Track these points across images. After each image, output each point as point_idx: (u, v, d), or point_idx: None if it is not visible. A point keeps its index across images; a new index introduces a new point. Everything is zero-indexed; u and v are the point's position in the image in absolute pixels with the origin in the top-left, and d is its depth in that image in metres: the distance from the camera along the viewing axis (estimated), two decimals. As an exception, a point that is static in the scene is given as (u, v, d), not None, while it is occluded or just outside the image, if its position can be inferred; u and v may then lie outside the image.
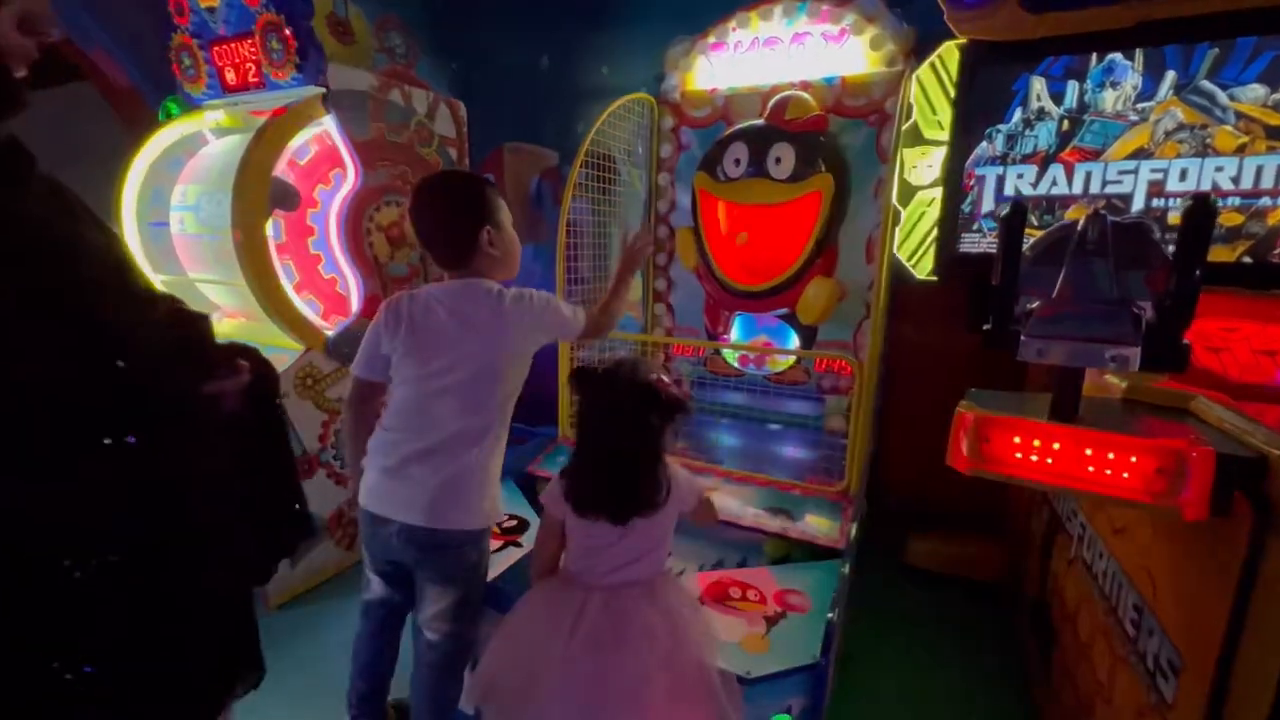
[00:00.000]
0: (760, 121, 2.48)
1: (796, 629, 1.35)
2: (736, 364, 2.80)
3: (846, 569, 1.49)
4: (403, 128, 2.35)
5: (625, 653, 1.10)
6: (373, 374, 1.39)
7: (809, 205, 2.41)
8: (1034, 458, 0.96)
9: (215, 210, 2.08)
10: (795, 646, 1.29)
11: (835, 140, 2.42)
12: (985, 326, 1.04)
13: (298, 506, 1.10)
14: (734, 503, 1.85)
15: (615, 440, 1.13)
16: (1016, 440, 0.98)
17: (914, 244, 2.14)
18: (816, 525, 1.72)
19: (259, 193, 1.91)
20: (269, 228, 2.02)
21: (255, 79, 2.14)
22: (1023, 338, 0.98)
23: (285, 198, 2.02)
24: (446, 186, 1.44)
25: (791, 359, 2.66)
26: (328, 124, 2.10)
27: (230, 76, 2.20)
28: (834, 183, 2.37)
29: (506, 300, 1.35)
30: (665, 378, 1.18)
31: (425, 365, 1.34)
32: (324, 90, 2.07)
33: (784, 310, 2.60)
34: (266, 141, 1.93)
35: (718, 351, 2.82)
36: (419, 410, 1.33)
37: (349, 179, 2.20)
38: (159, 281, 2.34)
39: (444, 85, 2.98)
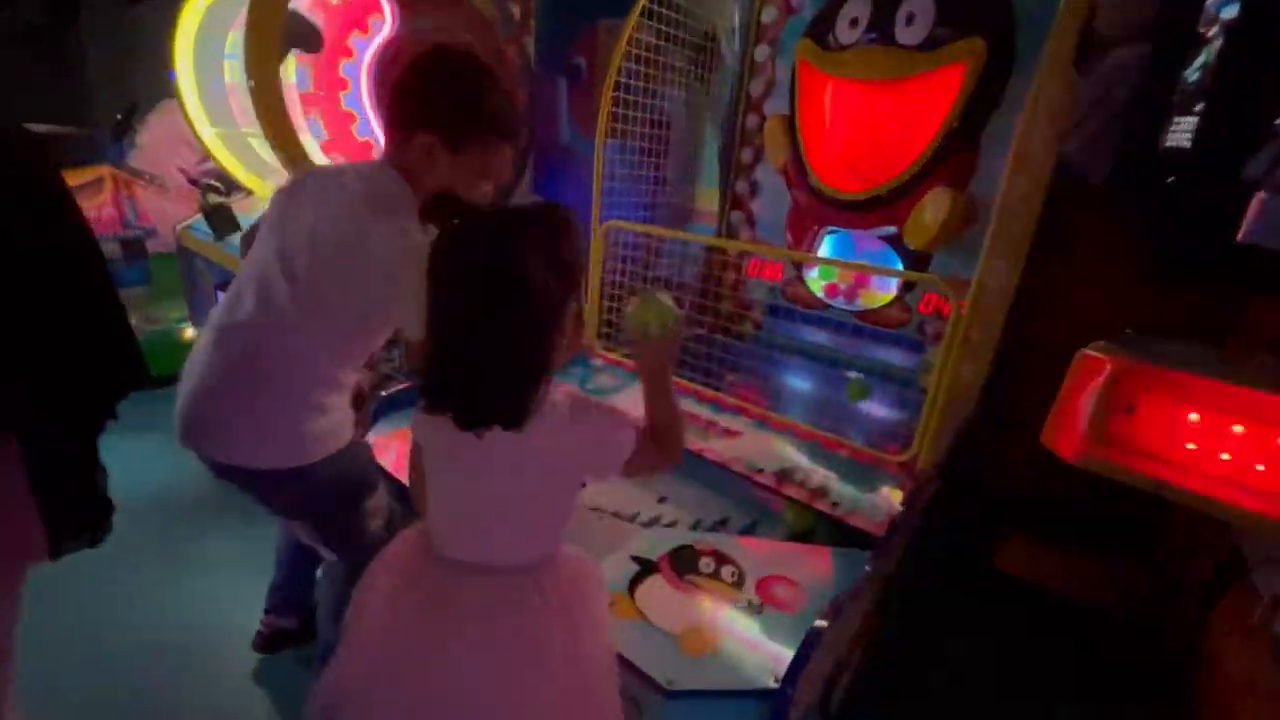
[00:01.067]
0: (896, -34, 1.83)
1: (767, 635, 0.96)
2: (821, 293, 2.28)
3: (871, 567, 1.05)
4: (450, -29, 2.03)
5: (450, 664, 0.77)
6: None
7: (944, 84, 1.77)
8: (1225, 456, 0.48)
9: (247, 54, 1.93)
10: (751, 659, 0.91)
11: (1002, -6, 1.72)
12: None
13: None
14: (755, 450, 1.45)
15: (472, 302, 0.72)
16: (1193, 419, 0.50)
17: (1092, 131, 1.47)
18: (855, 499, 1.28)
19: (271, 28, 1.71)
20: (292, 73, 1.83)
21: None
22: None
23: (305, 37, 1.81)
24: (432, 56, 1.08)
25: (890, 295, 2.10)
26: (360, -44, 1.83)
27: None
28: (987, 52, 1.70)
29: (402, 240, 0.98)
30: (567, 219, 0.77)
31: (269, 251, 1.08)
32: (356, -88, 1.78)
33: (890, 230, 2.02)
34: (281, -33, 1.70)
35: (799, 275, 2.32)
36: (236, 289, 1.09)
37: (386, 25, 1.94)
38: (215, 135, 2.30)
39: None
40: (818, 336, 2.27)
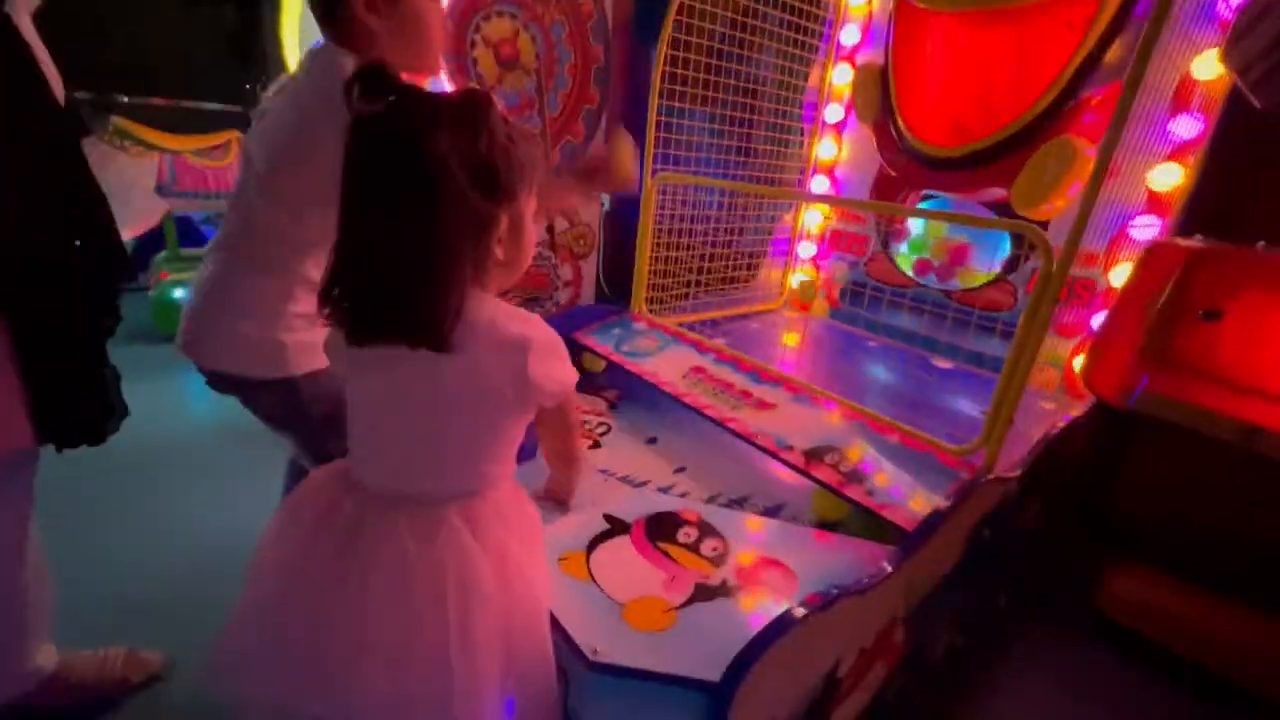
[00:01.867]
0: None
1: (730, 620, 0.79)
2: (911, 271, 1.99)
3: (890, 565, 0.84)
4: (524, -84, 1.99)
5: (354, 601, 0.69)
6: None
7: (1078, 5, 1.44)
8: None
9: None
10: (702, 644, 0.74)
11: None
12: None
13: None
14: (788, 425, 1.26)
15: (373, 200, 0.64)
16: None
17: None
18: (895, 490, 1.05)
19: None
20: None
21: None
22: None
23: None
24: None
25: (991, 273, 1.77)
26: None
27: None
28: (1138, -35, 1.36)
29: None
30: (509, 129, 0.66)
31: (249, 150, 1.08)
32: None
33: (998, 194, 1.70)
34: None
35: (886, 248, 2.04)
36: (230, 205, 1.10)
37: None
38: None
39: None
40: (907, 321, 1.98)
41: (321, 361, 1.07)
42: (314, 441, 1.13)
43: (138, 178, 2.85)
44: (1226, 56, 1.04)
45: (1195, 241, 0.41)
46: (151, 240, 3.18)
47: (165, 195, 2.93)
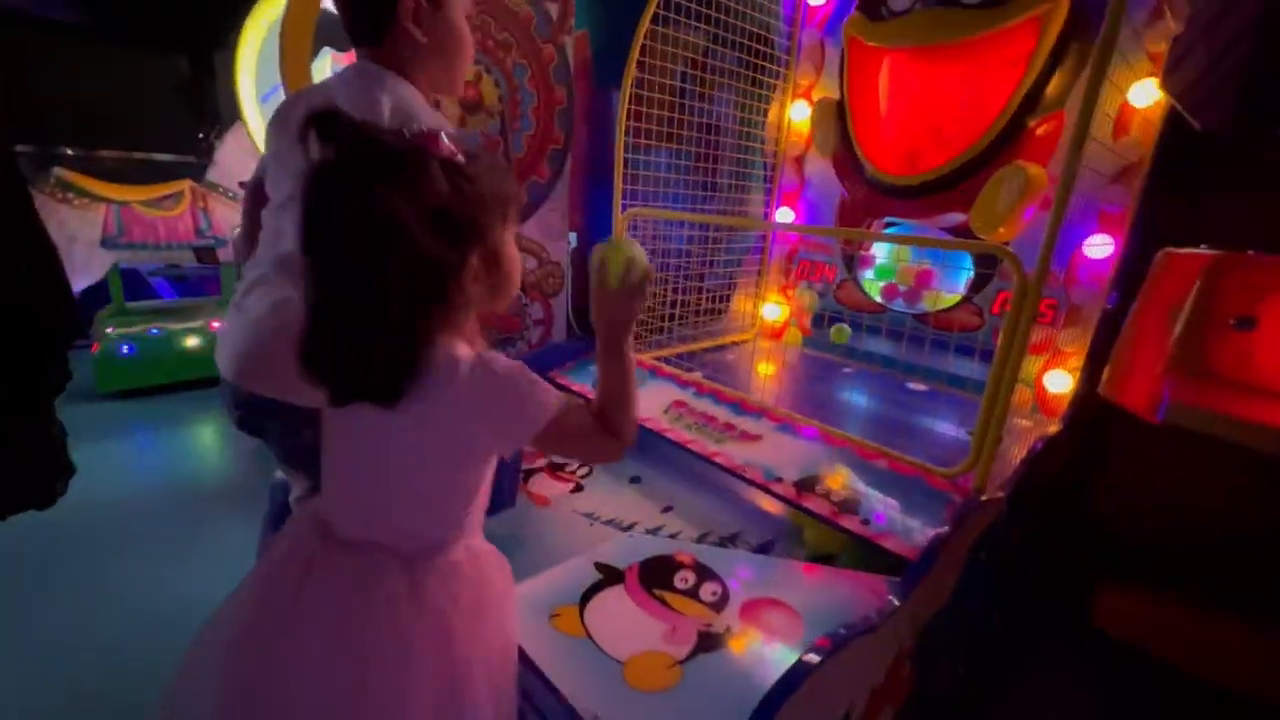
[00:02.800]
0: (956, -83, 1.63)
1: (739, 672, 0.74)
2: (879, 296, 2.03)
3: (896, 598, 0.81)
4: (485, -32, 2.02)
5: (293, 650, 0.65)
6: (263, 172, 1.11)
7: (1016, 42, 1.53)
8: None
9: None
10: (712, 704, 0.69)
11: (1086, -66, 1.47)
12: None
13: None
14: (775, 456, 1.23)
15: (334, 256, 0.59)
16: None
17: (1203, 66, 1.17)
18: (890, 518, 1.03)
19: (303, 30, 1.75)
20: (326, 72, 1.86)
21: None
22: None
23: (337, 33, 1.84)
24: None
25: (957, 295, 1.82)
26: (395, -46, 1.86)
27: (328, -81, 2.08)
28: (1069, 5, 1.45)
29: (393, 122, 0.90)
30: (454, 151, 0.61)
31: (280, 170, 1.03)
32: (391, -88, 1.81)
33: (959, 218, 1.75)
34: (314, -35, 1.75)
35: (852, 274, 2.08)
36: (266, 231, 1.03)
37: (420, 25, 1.95)
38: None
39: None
40: (877, 344, 2.01)
41: None
42: None
43: (79, 230, 2.72)
44: (1166, 82, 1.11)
45: (1209, 250, 0.41)
46: (96, 294, 3.03)
47: (112, 248, 2.80)
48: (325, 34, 1.83)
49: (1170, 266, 0.43)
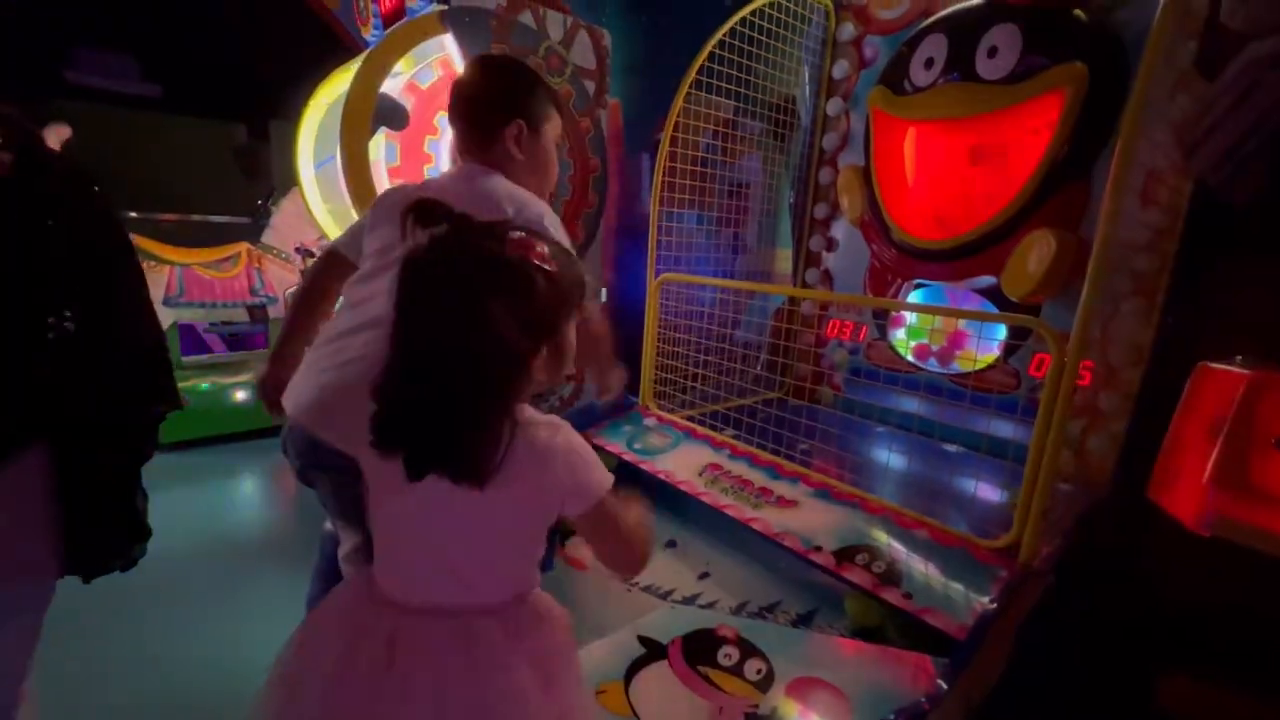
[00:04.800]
0: (974, 2, 1.72)
1: None
2: (911, 356, 2.03)
3: (945, 682, 0.79)
4: (529, 52, 2.18)
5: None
6: (349, 250, 1.19)
7: (1040, 113, 1.58)
8: None
9: (348, 136, 2.15)
10: None
11: (1103, 14, 1.54)
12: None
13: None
14: (813, 523, 1.23)
15: (436, 336, 0.64)
16: None
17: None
18: (933, 591, 1.02)
19: (363, 109, 1.90)
20: (381, 149, 2.01)
21: (399, 4, 2.17)
22: None
23: (393, 115, 1.99)
24: (490, 62, 1.31)
25: (990, 356, 1.81)
26: (447, 43, 2.02)
27: (385, 5, 2.27)
28: (1090, 79, 1.50)
29: (509, 205, 1.04)
30: (544, 253, 0.66)
31: (383, 251, 1.10)
32: (444, 7, 1.98)
33: (988, 281, 1.78)
34: (373, 57, 1.91)
35: (884, 336, 2.09)
36: (356, 295, 1.10)
37: (468, 105, 2.10)
38: (326, 211, 2.57)
39: (635, 38, 2.81)
40: (909, 404, 2.00)
41: None
42: None
43: (145, 291, 2.90)
44: (1188, 164, 1.13)
45: (1244, 368, 0.42)
46: (153, 350, 3.20)
47: (173, 306, 2.98)
48: (381, 116, 1.98)
49: (1208, 383, 0.45)
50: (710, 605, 1.18)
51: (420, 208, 0.66)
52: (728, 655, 0.89)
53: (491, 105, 1.16)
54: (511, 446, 0.66)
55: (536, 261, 0.65)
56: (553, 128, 1.22)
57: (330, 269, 1.22)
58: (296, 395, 1.08)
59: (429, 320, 0.64)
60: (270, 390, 1.19)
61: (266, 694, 0.73)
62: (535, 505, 0.70)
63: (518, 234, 0.66)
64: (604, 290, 2.82)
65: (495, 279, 0.63)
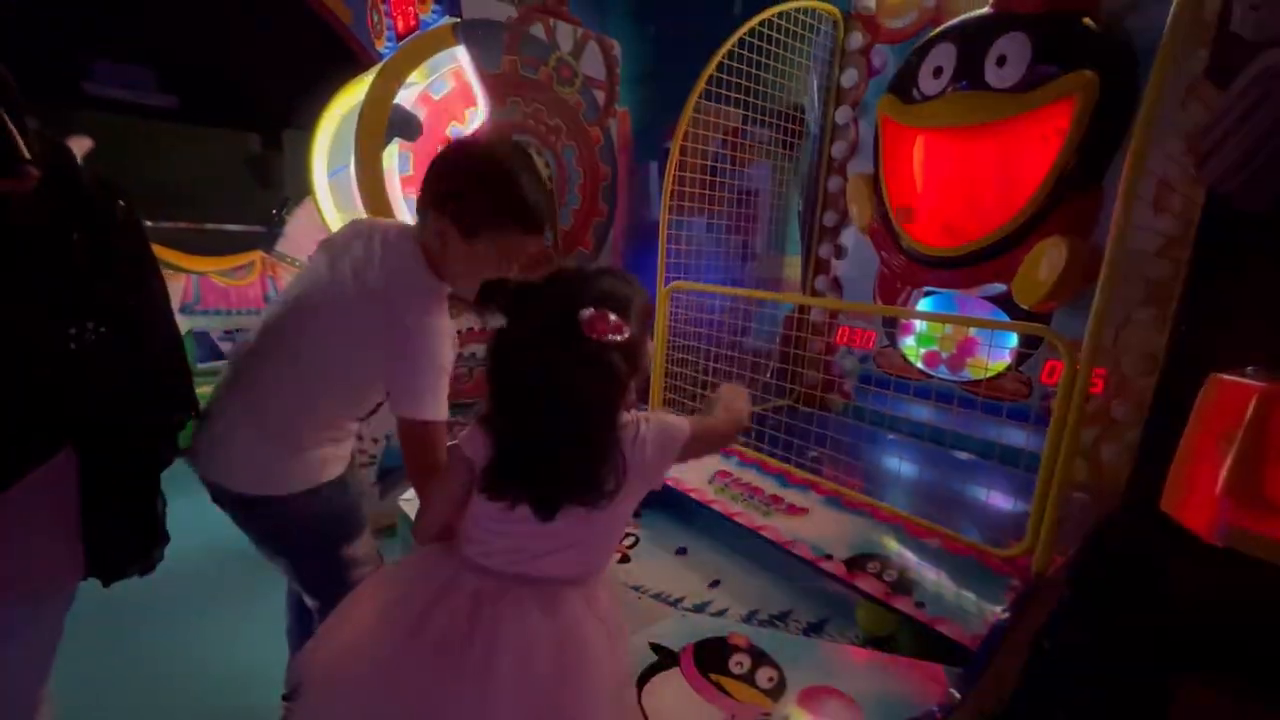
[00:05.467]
0: (982, 11, 1.72)
1: None
2: (921, 363, 2.03)
3: (958, 691, 0.79)
4: (539, 63, 2.21)
5: (472, 679, 0.69)
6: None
7: (1050, 121, 1.58)
8: None
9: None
10: None
11: (1115, 22, 1.54)
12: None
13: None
14: (823, 531, 1.23)
15: (544, 396, 0.71)
16: None
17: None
18: (944, 600, 1.02)
19: (377, 120, 1.93)
20: (394, 159, 2.04)
21: (414, 22, 2.21)
22: None
23: (406, 126, 2.03)
24: (466, 144, 1.17)
25: (1002, 363, 1.81)
26: (459, 55, 2.05)
27: (400, 25, 2.31)
28: (1100, 86, 1.50)
29: (409, 319, 0.98)
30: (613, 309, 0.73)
31: (292, 296, 1.10)
32: (457, 20, 2.02)
33: (998, 289, 1.78)
34: (387, 69, 1.94)
35: (894, 343, 2.09)
36: (258, 347, 1.09)
37: (480, 116, 2.13)
38: (340, 219, 2.61)
39: (644, 48, 2.84)
40: (919, 411, 1.99)
41: (316, 479, 1.08)
42: (307, 569, 1.14)
43: (161, 299, 2.95)
44: (1200, 172, 1.13)
45: (1256, 379, 0.43)
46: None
47: (188, 314, 3.03)
48: (395, 127, 2.01)
49: (1219, 395, 0.45)
50: (721, 613, 1.18)
51: (488, 292, 0.76)
52: (739, 663, 0.89)
53: (430, 186, 1.03)
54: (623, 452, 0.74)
55: (610, 338, 0.71)
56: (504, 249, 1.04)
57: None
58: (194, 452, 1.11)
59: (537, 396, 0.72)
60: None
61: (343, 646, 0.78)
62: (629, 503, 0.78)
63: (587, 315, 0.71)
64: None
65: (587, 370, 0.71)
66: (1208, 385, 0.48)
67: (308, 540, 1.11)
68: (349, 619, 0.81)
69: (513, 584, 0.75)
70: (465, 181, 1.01)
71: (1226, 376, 0.46)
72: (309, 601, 1.19)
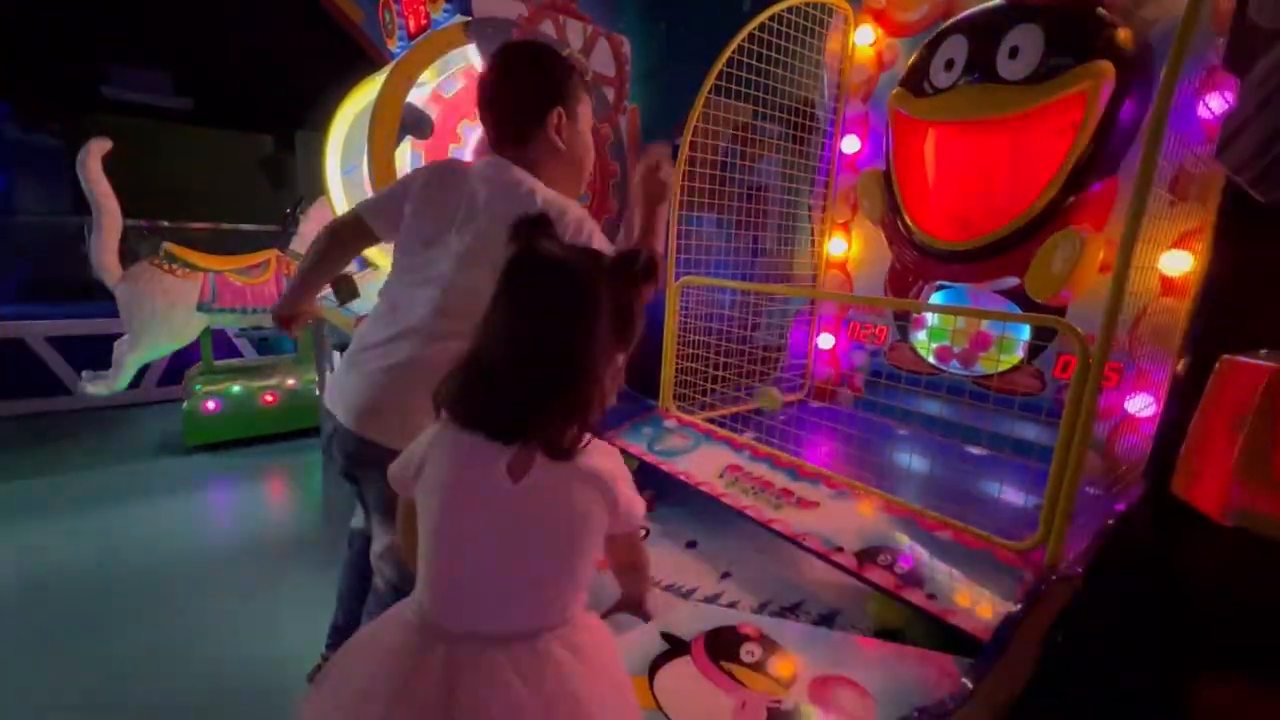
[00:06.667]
0: (994, 2, 1.71)
1: None
2: (933, 358, 2.02)
3: (971, 682, 0.79)
4: (550, 60, 2.22)
5: None
6: (376, 221, 1.21)
7: (1064, 113, 1.56)
8: None
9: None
10: None
11: (1128, 14, 1.52)
12: None
13: None
14: (835, 523, 1.23)
15: (536, 322, 0.70)
16: None
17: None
18: (957, 593, 1.01)
19: (390, 119, 1.95)
20: (406, 157, 2.06)
21: (425, 21, 2.23)
22: None
23: (418, 124, 2.05)
24: (523, 50, 1.26)
25: (1014, 358, 1.79)
26: (470, 54, 2.07)
27: (411, 24, 2.33)
28: (1116, 77, 1.49)
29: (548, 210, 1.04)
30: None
31: (425, 244, 1.14)
32: (468, 19, 2.03)
33: (1011, 282, 1.76)
34: (399, 69, 1.96)
35: (905, 338, 2.08)
36: (397, 298, 1.15)
37: (490, 113, 2.14)
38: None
39: (653, 44, 2.84)
40: (930, 406, 1.98)
41: None
42: None
43: (180, 297, 3.00)
44: (1220, 158, 1.12)
45: (1268, 360, 0.42)
46: (190, 355, 3.31)
47: (206, 312, 3.08)
48: (407, 125, 2.03)
49: (1231, 375, 0.45)
50: (732, 605, 1.19)
51: (537, 223, 0.73)
52: (750, 652, 0.90)
53: (528, 95, 1.14)
54: (588, 448, 0.72)
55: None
56: (586, 111, 1.20)
57: (357, 234, 1.25)
58: (345, 398, 1.12)
59: (538, 301, 0.70)
60: (285, 321, 1.33)
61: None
62: (592, 520, 0.73)
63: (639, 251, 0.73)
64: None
65: (615, 263, 0.73)
66: (1219, 366, 0.48)
67: None
68: (332, 691, 0.74)
69: (484, 648, 0.68)
70: (554, 70, 1.16)
71: (1238, 358, 0.46)
72: (379, 576, 1.19)
